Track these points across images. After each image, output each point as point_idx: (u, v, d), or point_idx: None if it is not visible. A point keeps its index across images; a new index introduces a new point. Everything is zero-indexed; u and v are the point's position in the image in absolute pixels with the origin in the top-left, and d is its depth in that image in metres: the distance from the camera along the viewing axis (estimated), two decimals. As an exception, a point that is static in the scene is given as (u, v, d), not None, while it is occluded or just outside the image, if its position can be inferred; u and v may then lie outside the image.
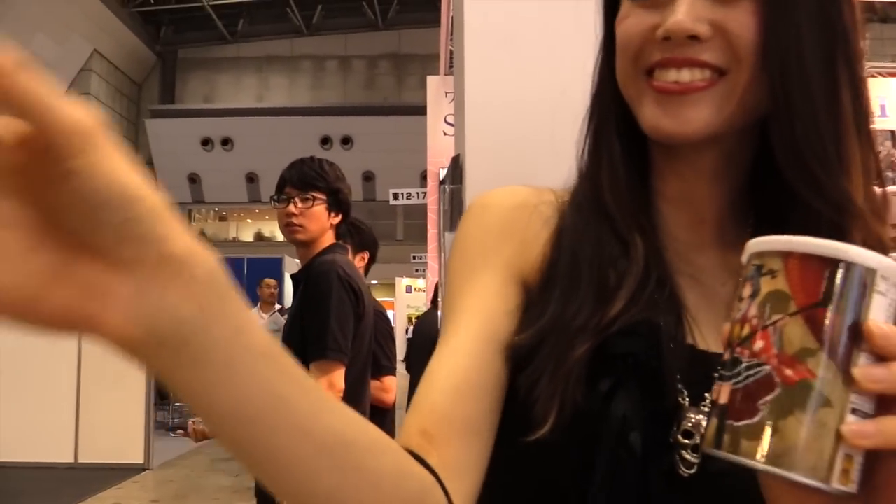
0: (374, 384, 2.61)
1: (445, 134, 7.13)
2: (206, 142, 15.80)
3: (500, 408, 0.59)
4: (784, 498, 0.45)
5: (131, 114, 16.07)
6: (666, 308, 0.60)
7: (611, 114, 0.65)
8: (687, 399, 0.58)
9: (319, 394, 0.42)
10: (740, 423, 0.41)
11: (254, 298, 7.09)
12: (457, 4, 2.23)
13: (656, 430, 0.57)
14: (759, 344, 0.41)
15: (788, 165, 0.58)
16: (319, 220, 2.21)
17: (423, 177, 12.77)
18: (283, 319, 4.87)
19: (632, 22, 0.61)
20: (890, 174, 2.03)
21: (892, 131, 2.04)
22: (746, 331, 0.42)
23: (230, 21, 15.84)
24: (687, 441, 0.57)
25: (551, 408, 0.55)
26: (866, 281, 0.41)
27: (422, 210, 9.37)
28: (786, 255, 0.42)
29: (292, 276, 2.33)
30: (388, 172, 13.92)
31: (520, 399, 0.58)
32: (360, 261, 3.01)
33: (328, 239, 2.24)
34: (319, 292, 2.07)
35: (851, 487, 0.40)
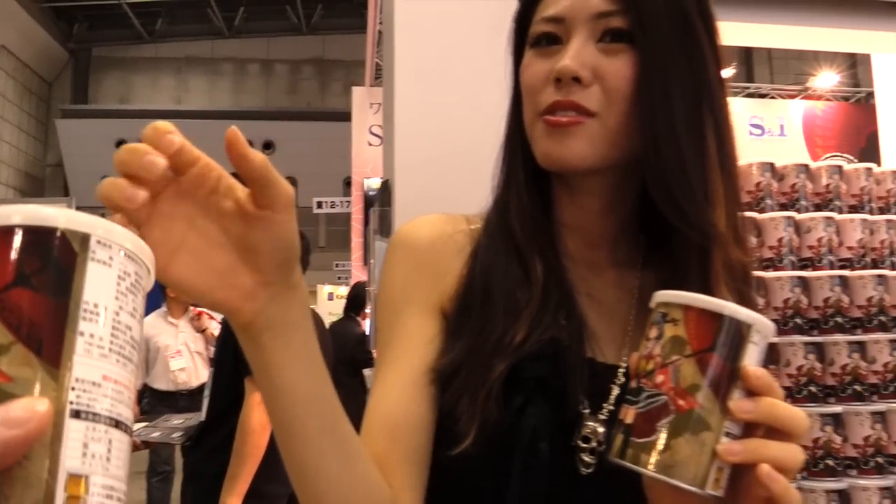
0: None
1: (370, 144, 7.18)
2: (120, 144, 15.24)
3: (430, 438, 0.68)
4: (665, 499, 0.56)
5: (40, 113, 15.40)
6: (568, 326, 0.69)
7: (519, 152, 0.74)
8: (587, 409, 0.68)
9: (337, 400, 0.58)
10: (641, 440, 0.52)
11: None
12: (387, 28, 2.31)
13: (562, 437, 0.67)
14: (659, 378, 0.52)
15: (660, 200, 0.67)
16: None
17: (347, 184, 12.75)
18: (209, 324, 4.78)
19: (533, 69, 0.71)
20: (769, 202, 2.22)
21: (772, 164, 2.23)
22: (650, 366, 0.53)
23: (148, 20, 15.40)
24: (585, 445, 0.67)
25: (472, 424, 0.64)
26: (744, 333, 0.52)
27: (345, 217, 9.38)
28: (686, 308, 0.53)
29: None
30: (311, 178, 13.79)
31: (444, 416, 0.68)
32: None
33: None
34: None
35: (720, 492, 0.52)
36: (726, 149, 0.70)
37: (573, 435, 0.67)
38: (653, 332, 0.55)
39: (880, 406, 1.99)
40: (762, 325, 0.53)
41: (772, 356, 1.99)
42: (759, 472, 0.50)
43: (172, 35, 15.97)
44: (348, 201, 8.00)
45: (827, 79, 10.70)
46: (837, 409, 1.96)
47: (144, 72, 16.35)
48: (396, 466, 0.65)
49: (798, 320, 2.04)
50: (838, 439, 1.94)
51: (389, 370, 0.70)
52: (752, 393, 0.52)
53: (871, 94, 10.06)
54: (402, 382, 0.68)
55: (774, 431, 0.52)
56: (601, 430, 0.67)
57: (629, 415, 0.54)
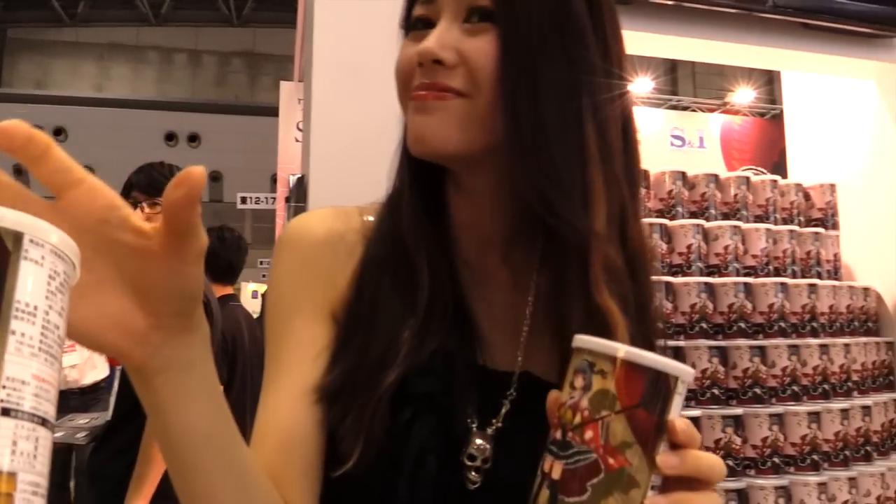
0: None
1: (297, 140, 7.07)
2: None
3: (322, 450, 0.65)
4: None
5: (-52, 95, 14.60)
6: (458, 333, 0.66)
7: (408, 163, 0.71)
8: (475, 423, 0.66)
9: (237, 434, 0.55)
10: (570, 499, 0.51)
11: None
12: (308, 23, 2.28)
13: (450, 452, 0.65)
14: (588, 434, 0.51)
15: (525, 193, 0.63)
16: None
17: (274, 180, 12.53)
18: None
19: (402, 54, 0.68)
20: (680, 209, 2.29)
21: (683, 172, 2.30)
22: (578, 419, 0.52)
23: (69, 2, 14.80)
24: (471, 463, 0.65)
25: (356, 445, 0.62)
26: (671, 386, 0.52)
27: (271, 214, 9.21)
28: (614, 360, 0.52)
29: None
30: (237, 174, 13.51)
31: (329, 436, 0.65)
32: None
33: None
34: None
35: None
36: (610, 143, 0.65)
37: (459, 451, 0.66)
38: (578, 381, 0.53)
39: (778, 409, 2.07)
40: (687, 375, 0.53)
41: (677, 359, 2.04)
42: None
43: (95, 20, 15.38)
44: (274, 197, 7.85)
45: (745, 95, 11.13)
46: (738, 411, 2.04)
47: (64, 56, 15.69)
48: (292, 482, 0.63)
49: (704, 325, 2.11)
50: (738, 440, 2.01)
51: (280, 381, 0.67)
52: (677, 446, 0.51)
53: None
54: (293, 395, 0.66)
55: (694, 480, 0.52)
56: (488, 447, 0.65)
57: (556, 470, 0.52)
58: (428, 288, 0.66)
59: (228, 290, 3.09)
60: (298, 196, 2.12)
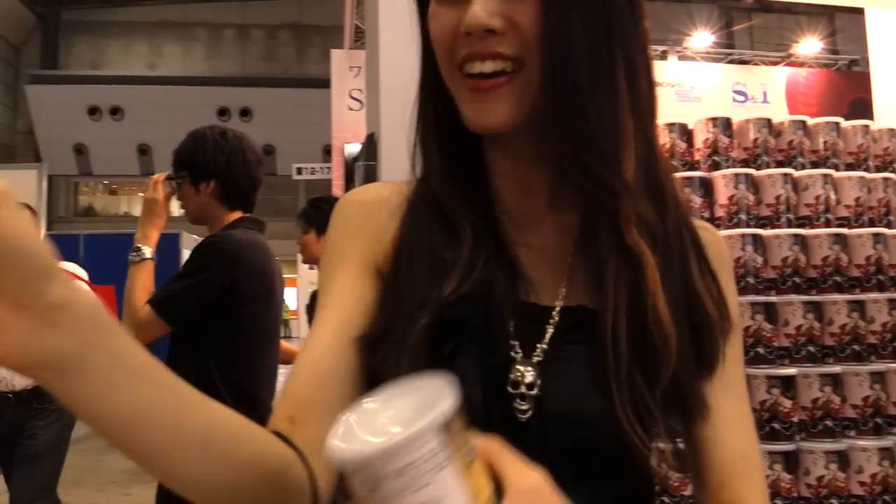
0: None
1: (350, 109, 7.05)
2: (93, 111, 14.95)
3: (356, 391, 0.64)
4: None
5: (9, 78, 15.00)
6: (500, 274, 0.66)
7: (434, 107, 0.69)
8: (518, 353, 0.65)
9: (188, 395, 0.50)
10: None
11: None
12: (369, -21, 2.21)
13: (494, 382, 0.64)
14: None
15: (562, 153, 0.63)
16: (192, 200, 2.14)
17: (326, 151, 12.58)
18: None
19: (440, 21, 0.65)
20: (766, 158, 2.17)
21: (769, 119, 2.17)
22: None
23: (119, -17, 15.00)
24: (514, 391, 0.64)
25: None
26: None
27: (324, 185, 9.25)
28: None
29: None
30: (290, 146, 13.62)
31: (371, 382, 0.62)
32: (324, 242, 2.96)
33: (222, 217, 2.14)
34: (190, 261, 2.03)
35: None
36: (640, 90, 0.65)
37: (504, 382, 0.65)
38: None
39: (879, 367, 1.95)
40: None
41: (770, 315, 1.94)
42: None
43: (145, -1, 15.57)
44: (328, 167, 7.87)
45: (809, 45, 10.67)
46: (836, 369, 1.93)
47: (117, 36, 15.94)
48: (317, 416, 0.61)
49: (796, 279, 1.99)
50: (837, 400, 1.90)
51: (323, 324, 0.68)
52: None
53: (852, 62, 10.05)
54: (332, 334, 0.67)
55: None
56: (530, 372, 0.64)
57: None
58: (471, 241, 0.66)
59: None
60: (369, 155, 2.05)
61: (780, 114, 8.44)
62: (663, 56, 8.57)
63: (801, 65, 9.57)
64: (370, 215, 0.71)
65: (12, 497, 3.19)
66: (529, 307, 0.67)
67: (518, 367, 0.64)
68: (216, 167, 2.10)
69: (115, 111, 14.93)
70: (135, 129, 14.87)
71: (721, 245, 0.75)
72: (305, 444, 0.59)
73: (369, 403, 0.45)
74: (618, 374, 0.62)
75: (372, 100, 2.13)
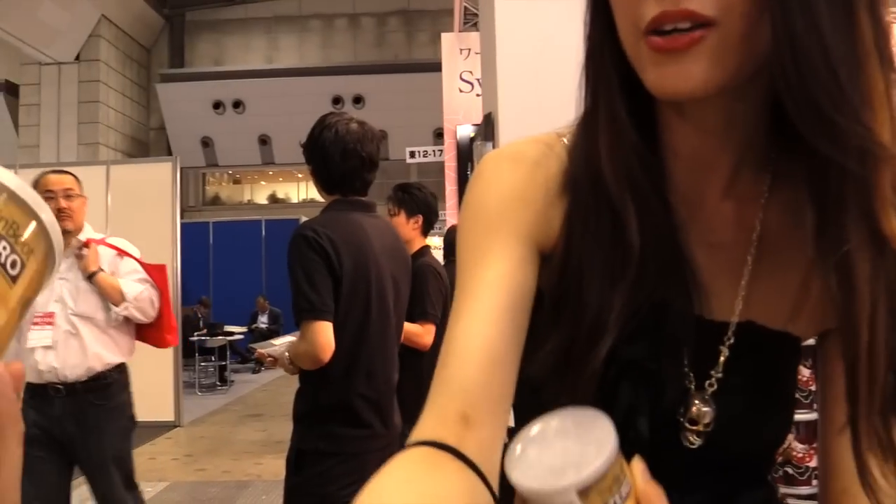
0: (414, 328, 3.00)
1: (461, 91, 7.13)
2: (217, 105, 15.78)
3: (515, 381, 0.58)
4: None
5: (142, 79, 16.05)
6: (673, 283, 0.59)
7: (608, 74, 0.60)
8: (692, 384, 0.61)
9: None
10: None
11: (273, 259, 6.69)
12: (481, -38, 2.26)
13: (665, 415, 0.61)
14: None
15: (798, 112, 0.51)
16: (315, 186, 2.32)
17: (437, 135, 12.75)
18: None
19: None
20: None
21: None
22: None
23: (237, -19, 15.69)
24: (692, 427, 0.61)
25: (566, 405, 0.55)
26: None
27: (436, 168, 9.41)
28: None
29: None
30: (401, 131, 13.89)
31: (537, 399, 0.57)
32: (413, 224, 3.17)
33: (326, 199, 2.31)
34: (288, 261, 2.12)
35: None
36: (883, 25, 0.52)
37: (674, 407, 0.61)
38: None
39: None
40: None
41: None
42: None
43: (261, -5, 16.24)
44: (440, 150, 7.99)
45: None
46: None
47: (236, 33, 16.73)
48: (490, 413, 0.55)
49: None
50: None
51: (480, 298, 0.59)
52: None
53: None
54: (496, 313, 0.58)
55: None
56: (709, 410, 0.60)
57: None
58: (639, 235, 0.57)
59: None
60: (486, 134, 2.12)
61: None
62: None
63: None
64: (532, 189, 0.63)
65: (99, 499, 2.94)
66: (703, 325, 0.61)
67: (695, 402, 0.61)
68: (310, 152, 2.26)
69: (237, 104, 15.70)
70: (255, 120, 15.59)
71: None
72: (480, 450, 0.53)
73: (546, 428, 0.51)
74: (871, 409, 0.53)
75: (488, 80, 2.19)
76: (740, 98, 0.56)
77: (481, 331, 0.57)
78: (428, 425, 0.54)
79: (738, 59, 0.52)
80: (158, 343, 3.28)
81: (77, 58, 13.77)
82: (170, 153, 14.72)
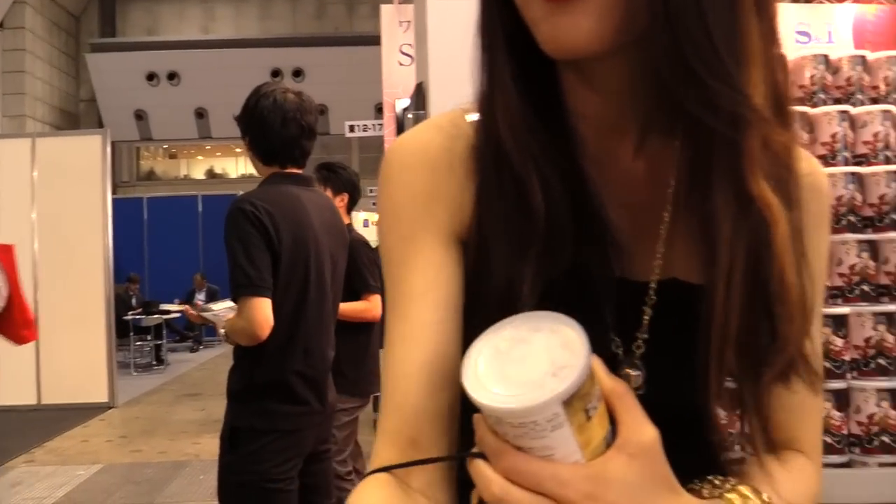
0: (360, 303, 3.09)
1: (401, 64, 7.04)
2: (151, 76, 15.27)
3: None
4: None
5: (70, 48, 15.38)
6: (588, 246, 0.58)
7: (500, 38, 0.58)
8: (620, 349, 0.60)
9: None
10: None
11: (210, 236, 6.75)
12: (414, -71, 2.21)
13: None
14: None
15: (671, 75, 0.50)
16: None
17: (378, 109, 12.60)
18: None
19: None
20: (822, 96, 2.11)
21: (826, 55, 2.11)
22: None
23: (170, -52, 15.13)
24: None
25: None
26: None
27: (377, 142, 9.30)
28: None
29: None
30: (342, 105, 13.68)
31: None
32: (339, 202, 3.15)
33: (262, 172, 2.28)
34: (225, 234, 2.08)
35: None
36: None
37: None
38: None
39: (937, 304, 1.92)
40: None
41: (824, 255, 1.93)
42: None
43: (196, -38, 15.70)
44: (380, 124, 7.90)
45: (878, -19, 10.11)
46: (891, 307, 1.91)
47: (170, 2, 16.16)
48: (440, 434, 0.55)
49: (852, 218, 1.96)
50: (891, 338, 1.89)
51: (414, 307, 0.58)
52: None
53: (925, -4, 9.48)
54: (435, 323, 0.57)
55: None
56: (636, 373, 0.59)
57: None
58: (543, 202, 0.56)
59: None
60: (418, 104, 2.08)
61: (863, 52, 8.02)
62: (721, -2, 8.26)
63: (870, 1, 9.11)
64: (440, 170, 0.61)
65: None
66: (625, 286, 0.59)
67: (624, 366, 0.59)
68: (246, 123, 2.20)
69: (172, 76, 15.21)
70: (191, 93, 15.15)
71: (824, 186, 0.66)
72: (428, 484, 0.54)
73: (499, 341, 0.46)
74: (721, 365, 0.54)
75: (420, 50, 2.15)
76: (637, 58, 0.54)
77: (417, 351, 0.56)
78: (382, 455, 0.55)
79: (627, 15, 0.51)
80: (15, 339, 2.97)
81: (0, 25, 13.10)
82: (101, 126, 14.19)
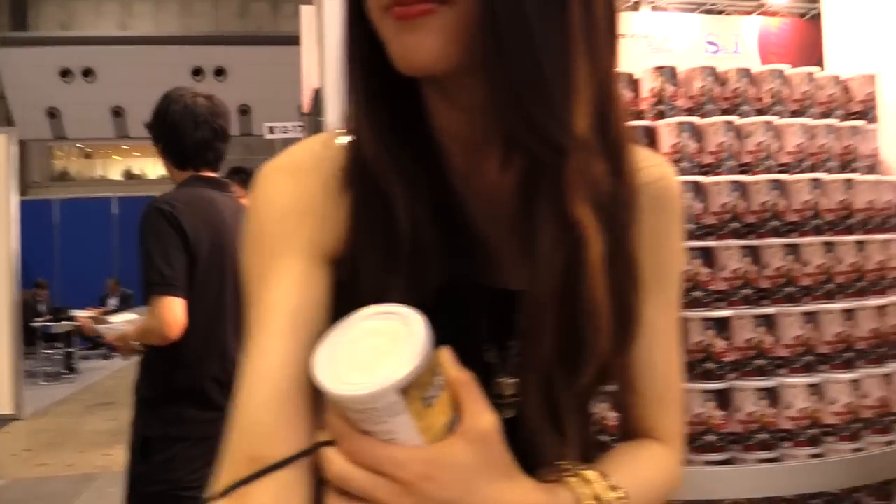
0: None
1: (320, 66, 7.00)
2: (65, 73, 14.66)
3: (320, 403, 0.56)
4: None
5: (-24, 41, 14.66)
6: (459, 260, 0.59)
7: (361, 56, 0.59)
8: (495, 357, 0.62)
9: None
10: None
11: (126, 239, 6.66)
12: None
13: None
14: None
15: (498, 101, 0.53)
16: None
17: (301, 110, 12.46)
18: None
19: None
20: (710, 107, 2.20)
21: (713, 68, 2.20)
22: None
23: (85, -60, 14.60)
24: (497, 401, 0.58)
25: None
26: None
27: (301, 145, 9.20)
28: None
29: None
30: (265, 105, 13.44)
31: None
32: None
33: (175, 176, 2.25)
34: (140, 233, 2.05)
35: None
36: (597, 32, 0.55)
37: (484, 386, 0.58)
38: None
39: (811, 307, 2.02)
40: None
41: (708, 260, 2.01)
42: None
43: (113, -44, 15.18)
44: (301, 125, 7.81)
45: (784, -6, 10.57)
46: (770, 310, 2.00)
47: (85, -4, 15.59)
48: (294, 429, 0.54)
49: (735, 224, 2.05)
50: (770, 340, 1.98)
51: (268, 326, 0.57)
52: None
53: (827, 11, 9.94)
54: (285, 343, 0.56)
55: None
56: (510, 381, 0.61)
57: None
58: (408, 219, 0.57)
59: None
60: (317, 109, 2.09)
61: (752, 65, 8.35)
62: (635, 7, 8.50)
63: (774, 14, 9.53)
64: (310, 191, 0.61)
65: None
66: (497, 296, 0.61)
67: (499, 375, 0.61)
68: (158, 129, 2.18)
69: (88, 73, 14.64)
70: (108, 91, 14.61)
71: (672, 191, 0.69)
72: (283, 488, 0.52)
73: (350, 332, 0.50)
74: (536, 371, 0.57)
75: (320, 53, 2.15)
76: (488, 75, 0.55)
77: (266, 360, 0.55)
78: (223, 476, 0.53)
79: (474, 37, 0.52)
80: None
81: None
82: (11, 124, 13.55)
